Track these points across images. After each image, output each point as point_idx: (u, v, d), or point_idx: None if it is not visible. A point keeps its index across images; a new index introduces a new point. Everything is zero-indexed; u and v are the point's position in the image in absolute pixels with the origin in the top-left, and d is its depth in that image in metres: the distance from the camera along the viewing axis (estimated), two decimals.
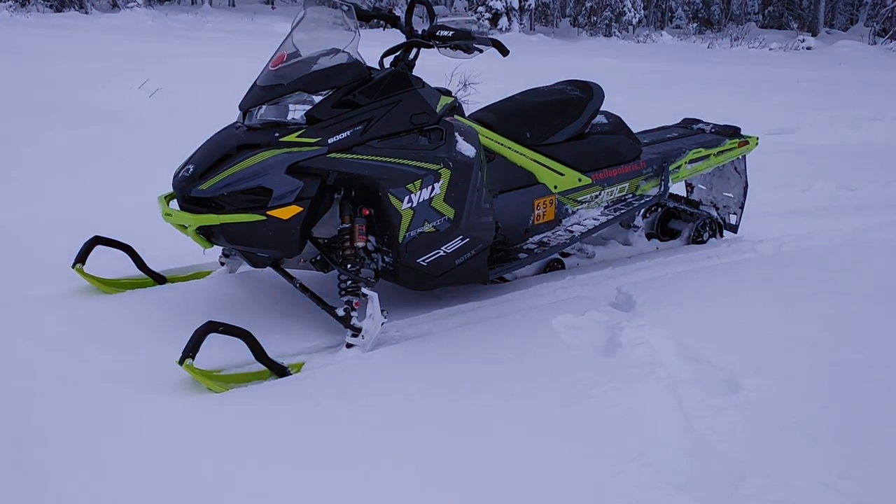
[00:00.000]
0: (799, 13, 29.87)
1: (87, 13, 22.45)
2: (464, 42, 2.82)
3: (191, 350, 2.25)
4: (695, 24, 30.92)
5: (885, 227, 4.50)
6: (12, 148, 5.30)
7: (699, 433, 2.19)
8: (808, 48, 22.53)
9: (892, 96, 10.93)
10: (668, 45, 22.97)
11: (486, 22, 24.84)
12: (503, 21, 24.85)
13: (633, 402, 2.33)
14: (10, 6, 21.03)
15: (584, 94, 3.48)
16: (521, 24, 25.69)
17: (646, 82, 11.43)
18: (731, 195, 4.20)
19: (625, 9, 25.54)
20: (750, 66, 15.81)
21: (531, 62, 12.54)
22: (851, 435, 2.19)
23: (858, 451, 2.12)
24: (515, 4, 25.03)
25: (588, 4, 25.65)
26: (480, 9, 25.10)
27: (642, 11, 27.16)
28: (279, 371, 2.45)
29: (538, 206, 3.34)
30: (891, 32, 25.52)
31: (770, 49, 22.04)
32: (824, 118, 9.09)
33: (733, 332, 2.85)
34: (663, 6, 34.06)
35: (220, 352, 2.44)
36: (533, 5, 26.10)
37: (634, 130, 4.14)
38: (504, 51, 2.92)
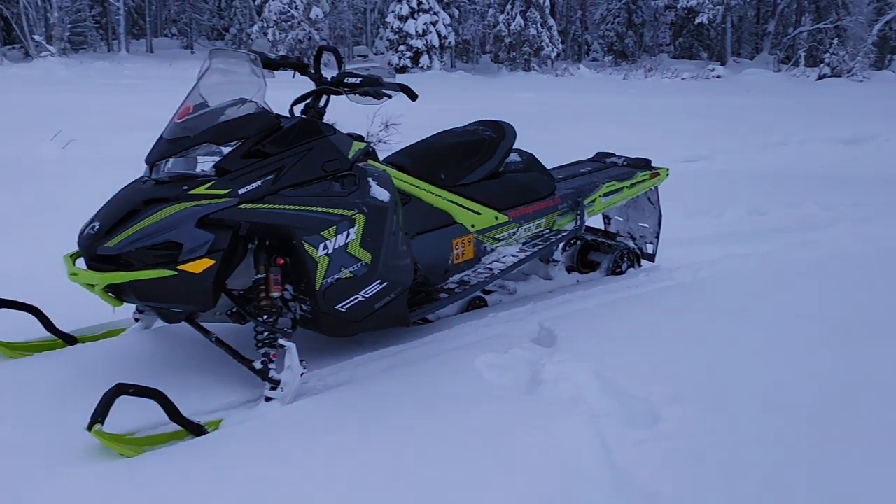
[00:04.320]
0: (708, 43, 31.13)
1: None
2: (372, 88, 2.84)
3: (99, 415, 2.16)
4: (610, 57, 31.92)
5: (794, 249, 4.68)
6: None
7: (620, 467, 2.21)
8: (718, 77, 23.50)
9: (798, 121, 11.45)
10: (586, 78, 23.64)
11: (408, 61, 25.14)
12: (424, 59, 25.20)
13: (556, 439, 2.34)
14: None
15: (496, 134, 3.54)
16: (441, 61, 26.09)
17: (565, 116, 11.69)
18: (646, 225, 4.30)
19: (543, 44, 26.20)
20: (664, 96, 16.37)
21: (453, 99, 12.71)
22: (767, 461, 2.24)
23: (774, 477, 2.17)
24: (436, 42, 25.41)
25: (507, 41, 26.22)
26: (402, 48, 25.42)
27: (560, 46, 27.90)
28: (195, 430, 2.38)
29: (457, 245, 3.36)
30: (793, 60, 26.81)
31: (682, 79, 22.90)
32: (735, 144, 9.45)
33: (652, 362, 2.90)
34: (580, 40, 35.08)
35: (133, 413, 2.35)
36: (453, 43, 26.54)
37: (553, 164, 4.22)
38: (413, 95, 2.95)
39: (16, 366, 2.81)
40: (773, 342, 3.11)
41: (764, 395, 2.63)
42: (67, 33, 26.73)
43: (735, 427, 2.42)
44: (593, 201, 3.87)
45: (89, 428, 2.14)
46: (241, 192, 2.54)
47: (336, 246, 2.70)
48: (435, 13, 25.63)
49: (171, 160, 2.58)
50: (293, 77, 3.11)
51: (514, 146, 3.66)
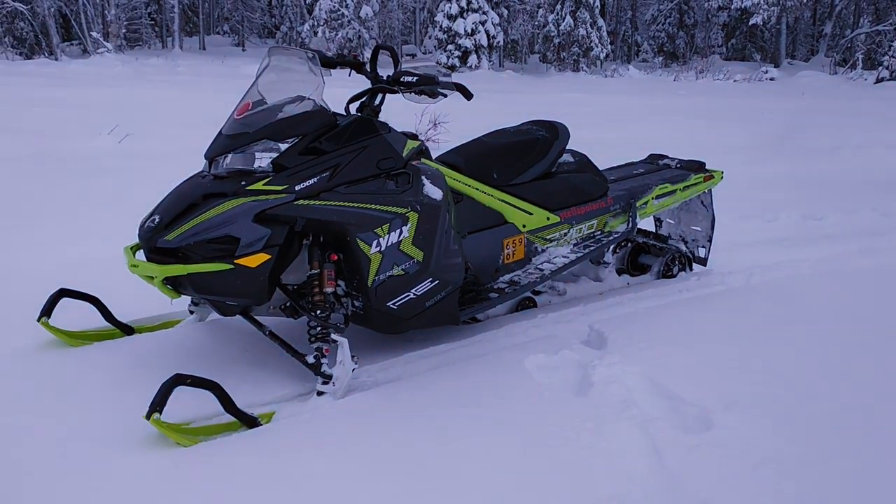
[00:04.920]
0: (761, 45, 30.54)
1: (57, 60, 22.47)
2: (428, 87, 2.85)
3: (158, 404, 2.22)
4: (660, 58, 31.50)
5: (851, 255, 4.57)
6: None
7: (672, 472, 2.18)
8: (772, 79, 23.02)
9: (854, 125, 11.15)
10: (636, 79, 23.39)
11: (457, 60, 25.16)
12: (472, 59, 25.17)
13: (607, 442, 2.32)
14: None
15: (549, 134, 3.52)
16: (490, 61, 26.06)
17: (614, 116, 11.58)
18: (698, 228, 4.24)
19: (592, 44, 25.99)
20: (715, 98, 16.10)
21: (501, 99, 12.69)
22: (823, 470, 2.20)
23: (830, 486, 2.12)
24: (484, 42, 25.38)
25: (556, 41, 26.06)
26: (450, 47, 25.43)
27: (609, 46, 27.64)
28: (249, 422, 2.42)
29: (507, 245, 3.36)
30: (850, 62, 26.16)
31: (734, 81, 22.50)
32: (789, 148, 9.25)
33: (704, 367, 2.86)
34: (629, 41, 34.71)
35: (189, 403, 2.40)
36: (501, 43, 26.48)
37: (602, 166, 4.18)
38: (468, 94, 2.95)
39: (78, 354, 2.89)
40: (828, 350, 3.04)
41: (819, 404, 2.58)
42: (124, 30, 27.33)
43: (790, 435, 2.37)
44: (646, 203, 3.83)
45: (148, 417, 2.20)
46: (297, 188, 2.57)
47: (389, 243, 2.72)
48: (484, 13, 25.60)
49: (230, 156, 2.63)
50: (349, 75, 3.14)
51: (567, 146, 3.64)
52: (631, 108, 12.85)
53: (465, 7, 25.42)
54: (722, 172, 4.16)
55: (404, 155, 2.86)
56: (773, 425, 2.43)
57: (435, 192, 2.86)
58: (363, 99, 3.00)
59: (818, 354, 3.00)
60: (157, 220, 2.55)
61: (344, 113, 2.97)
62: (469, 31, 25.21)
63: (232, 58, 26.20)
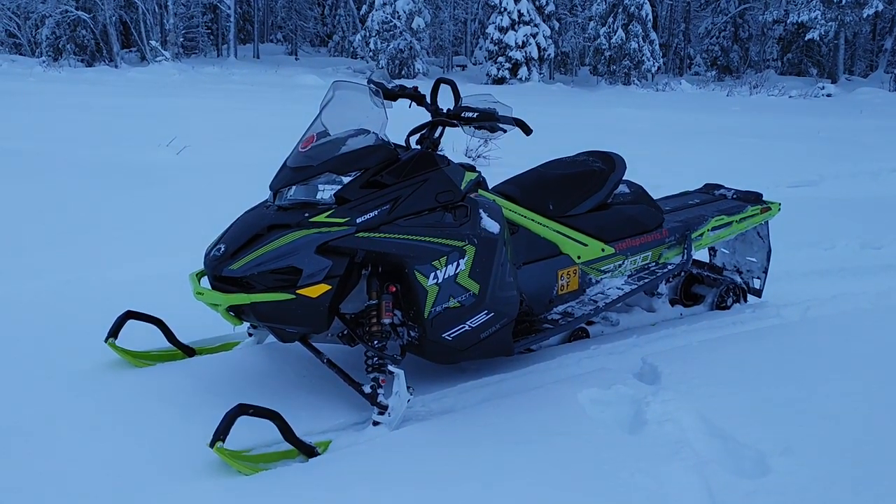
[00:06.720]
0: (818, 60, 29.94)
1: (116, 67, 23.14)
2: (488, 122, 2.89)
3: (221, 432, 2.28)
4: (714, 72, 31.07)
5: None
6: (42, 210, 5.43)
7: None
8: (829, 95, 22.57)
9: None
10: (688, 94, 23.13)
11: (507, 72, 25.18)
12: (523, 71, 25.18)
13: (660, 484, 2.32)
14: (44, 61, 21.74)
15: (605, 166, 3.53)
16: (540, 73, 26.03)
17: (665, 133, 11.49)
18: (754, 259, 4.19)
19: (643, 58, 25.79)
20: (770, 114, 15.87)
21: (550, 113, 12.67)
22: None
23: None
24: (535, 54, 25.38)
25: (607, 54, 25.93)
26: (500, 59, 25.48)
27: (661, 59, 27.40)
28: (307, 451, 2.46)
29: (562, 276, 3.37)
30: None
31: (790, 97, 22.11)
32: (846, 170, 9.05)
33: (760, 407, 2.83)
34: (682, 53, 34.33)
35: (249, 430, 2.45)
36: (552, 55, 26.44)
37: (654, 188, 4.17)
38: (527, 130, 2.98)
39: (141, 375, 2.97)
40: (890, 393, 2.99)
41: (882, 451, 2.54)
42: (181, 39, 27.98)
43: (850, 484, 2.34)
44: (701, 235, 3.81)
45: (212, 445, 2.26)
46: (358, 220, 2.63)
47: (446, 276, 2.75)
48: (535, 25, 25.62)
49: (294, 188, 2.70)
50: (409, 107, 3.19)
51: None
52: (681, 126, 12.72)
53: (517, 19, 25.46)
54: (779, 204, 4.11)
55: (462, 188, 2.90)
56: (831, 473, 2.39)
57: (492, 226, 2.89)
58: (423, 131, 3.05)
59: (880, 397, 2.94)
60: (222, 249, 2.62)
61: (404, 145, 3.02)
62: (520, 43, 25.24)
63: (285, 66, 26.62)
